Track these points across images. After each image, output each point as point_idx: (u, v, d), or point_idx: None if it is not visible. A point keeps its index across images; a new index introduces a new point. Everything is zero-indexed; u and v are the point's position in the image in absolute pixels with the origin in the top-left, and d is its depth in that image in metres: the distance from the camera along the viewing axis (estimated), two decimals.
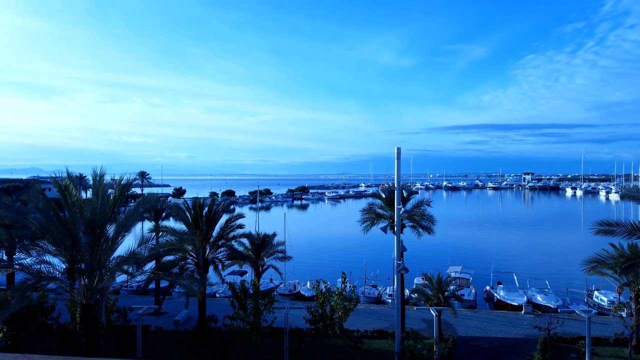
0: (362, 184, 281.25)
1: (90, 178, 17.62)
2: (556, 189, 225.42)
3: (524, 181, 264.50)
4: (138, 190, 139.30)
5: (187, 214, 24.90)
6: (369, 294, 35.83)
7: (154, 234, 25.88)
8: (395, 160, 20.74)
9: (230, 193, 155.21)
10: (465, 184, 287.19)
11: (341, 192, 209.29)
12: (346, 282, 21.57)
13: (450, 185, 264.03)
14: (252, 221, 47.59)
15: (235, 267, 32.77)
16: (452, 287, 27.45)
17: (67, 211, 16.11)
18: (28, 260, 16.26)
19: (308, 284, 36.64)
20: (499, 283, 37.82)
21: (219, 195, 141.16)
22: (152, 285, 31.00)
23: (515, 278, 38.30)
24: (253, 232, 30.96)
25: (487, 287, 37.80)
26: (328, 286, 21.35)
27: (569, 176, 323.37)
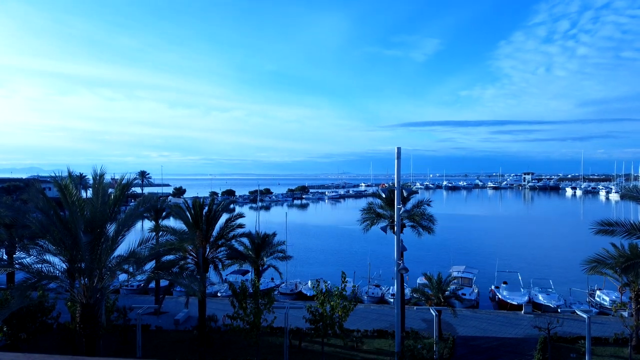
0: (362, 184, 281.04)
1: (91, 177, 17.63)
2: (556, 189, 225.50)
3: (524, 181, 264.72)
4: (138, 190, 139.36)
5: (187, 213, 24.88)
6: (373, 293, 35.84)
7: (154, 233, 25.92)
8: (395, 160, 20.74)
9: (230, 192, 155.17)
10: (465, 183, 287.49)
11: (341, 191, 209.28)
12: (346, 282, 21.57)
13: (450, 185, 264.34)
14: (252, 221, 47.59)
15: (237, 267, 32.78)
16: (452, 287, 27.44)
17: (67, 210, 16.11)
18: (28, 260, 16.26)
19: (309, 283, 36.64)
20: (505, 282, 37.82)
21: (219, 195, 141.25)
22: (152, 285, 30.99)
23: (520, 278, 38.28)
24: (253, 231, 30.95)
25: (492, 287, 37.82)
26: (328, 286, 21.35)
27: (569, 176, 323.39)
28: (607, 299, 32.92)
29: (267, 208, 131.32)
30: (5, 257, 24.60)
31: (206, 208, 25.40)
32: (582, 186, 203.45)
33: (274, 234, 31.10)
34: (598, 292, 34.58)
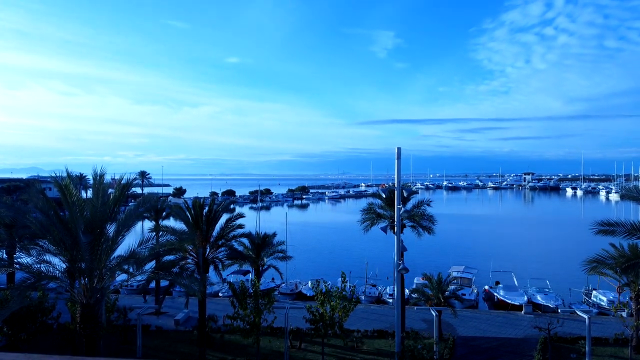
0: (362, 184, 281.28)
1: (91, 178, 17.64)
2: (556, 189, 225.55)
3: (524, 181, 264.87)
4: (138, 190, 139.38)
5: (187, 213, 24.85)
6: (370, 293, 35.82)
7: (154, 233, 25.92)
8: (396, 160, 20.75)
9: (230, 193, 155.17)
10: (465, 183, 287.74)
11: (341, 191, 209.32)
12: (346, 282, 21.58)
13: (450, 185, 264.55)
14: (252, 221, 47.55)
15: (237, 267, 32.75)
16: (452, 287, 27.43)
17: (67, 211, 16.10)
18: (28, 260, 16.23)
19: (309, 284, 36.63)
20: (497, 283, 37.79)
21: (219, 195, 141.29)
22: (152, 285, 30.95)
23: (514, 278, 38.27)
24: (253, 231, 30.95)
25: (486, 287, 37.79)
26: (328, 286, 21.35)
27: (569, 176, 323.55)
28: (604, 299, 32.91)
29: (268, 208, 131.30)
30: (5, 257, 24.58)
31: (206, 208, 25.37)
32: (583, 186, 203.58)
33: (274, 234, 31.10)
34: (594, 292, 34.56)
